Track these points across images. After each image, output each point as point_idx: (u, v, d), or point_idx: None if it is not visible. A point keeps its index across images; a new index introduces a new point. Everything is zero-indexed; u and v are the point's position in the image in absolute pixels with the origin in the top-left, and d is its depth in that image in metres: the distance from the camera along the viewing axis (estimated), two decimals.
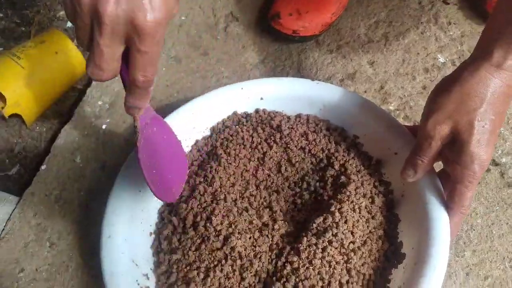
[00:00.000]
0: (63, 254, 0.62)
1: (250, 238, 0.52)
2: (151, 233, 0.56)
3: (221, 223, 0.53)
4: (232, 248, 0.51)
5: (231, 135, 0.61)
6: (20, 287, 0.60)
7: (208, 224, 0.53)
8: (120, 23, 0.38)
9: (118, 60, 0.41)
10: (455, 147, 0.47)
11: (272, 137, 0.60)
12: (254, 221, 0.55)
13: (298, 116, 0.63)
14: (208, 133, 0.63)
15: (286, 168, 0.59)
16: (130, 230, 0.53)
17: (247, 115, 0.64)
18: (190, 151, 0.61)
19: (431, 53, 0.77)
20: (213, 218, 0.53)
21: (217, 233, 0.52)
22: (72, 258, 0.62)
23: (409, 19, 0.81)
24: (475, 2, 0.81)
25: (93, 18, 0.38)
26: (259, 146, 0.60)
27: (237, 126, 0.62)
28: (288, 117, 0.63)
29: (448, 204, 0.50)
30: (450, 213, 0.50)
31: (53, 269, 0.61)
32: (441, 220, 0.49)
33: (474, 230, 0.61)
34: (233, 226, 0.53)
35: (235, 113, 0.64)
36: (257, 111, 0.64)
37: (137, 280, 0.50)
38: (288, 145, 0.59)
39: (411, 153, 0.51)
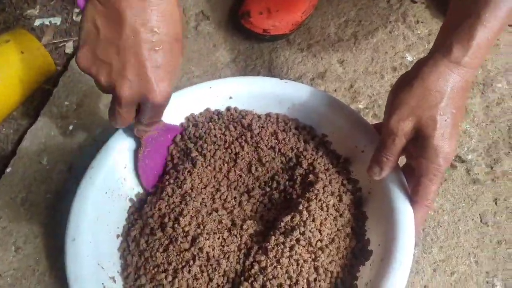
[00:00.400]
0: (29, 258, 0.61)
1: (218, 238, 0.52)
2: (118, 236, 0.55)
3: (189, 224, 0.53)
4: (200, 249, 0.50)
5: (205, 133, 0.60)
6: None
7: (176, 225, 0.52)
8: (134, 100, 0.49)
9: (133, 115, 0.52)
10: (418, 142, 0.48)
11: (243, 137, 0.60)
12: (223, 221, 0.54)
13: (268, 115, 0.63)
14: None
15: (256, 168, 0.59)
16: (96, 232, 0.52)
17: (218, 113, 0.63)
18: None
19: (399, 52, 0.78)
20: (181, 219, 0.52)
21: (185, 233, 0.52)
22: (39, 261, 0.61)
23: (378, 18, 0.82)
24: (442, 1, 0.82)
25: (112, 94, 0.49)
26: (232, 146, 0.59)
27: (209, 123, 0.61)
28: (259, 116, 0.62)
29: (413, 198, 0.51)
30: (414, 207, 0.50)
31: (19, 274, 0.60)
32: (405, 214, 0.50)
33: (441, 226, 0.62)
34: (201, 227, 0.52)
35: (207, 110, 0.63)
36: (228, 109, 0.63)
37: (103, 283, 0.49)
38: (259, 145, 0.59)
39: (376, 150, 0.52)
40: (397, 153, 0.50)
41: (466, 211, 0.63)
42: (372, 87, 0.74)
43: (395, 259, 0.47)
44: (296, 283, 0.48)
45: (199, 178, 0.57)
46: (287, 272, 0.49)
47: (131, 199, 0.58)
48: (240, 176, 0.59)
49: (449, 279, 0.58)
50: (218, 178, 0.59)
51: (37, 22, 0.91)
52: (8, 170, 0.69)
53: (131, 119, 0.52)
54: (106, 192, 0.55)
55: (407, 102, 0.48)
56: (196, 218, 0.53)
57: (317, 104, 0.60)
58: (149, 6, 0.46)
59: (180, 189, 0.55)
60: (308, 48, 0.79)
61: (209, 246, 0.51)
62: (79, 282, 0.47)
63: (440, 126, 0.47)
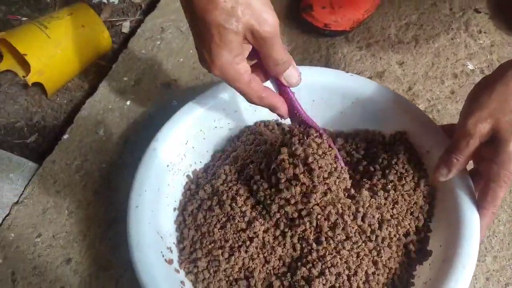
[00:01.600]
0: (81, 223, 0.62)
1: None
2: (175, 209, 0.56)
3: (245, 204, 0.52)
4: (255, 233, 0.50)
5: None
6: (36, 251, 0.60)
7: (233, 204, 0.52)
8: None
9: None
10: (493, 146, 0.47)
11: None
12: None
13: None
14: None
15: None
16: (157, 202, 0.53)
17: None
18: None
19: (460, 59, 0.77)
20: (238, 198, 0.52)
21: (242, 213, 0.52)
22: (90, 228, 0.62)
23: (440, 24, 0.81)
24: (507, 13, 0.81)
25: None
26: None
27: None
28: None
29: (480, 204, 0.50)
30: (481, 213, 0.50)
31: (71, 237, 0.61)
32: (472, 220, 0.49)
33: (496, 236, 0.61)
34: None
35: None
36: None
37: (161, 252, 0.49)
38: None
39: (445, 151, 0.51)
40: (469, 155, 0.49)
41: None
42: (431, 91, 0.73)
43: (459, 263, 0.47)
44: (355, 273, 0.48)
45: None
46: (346, 262, 0.48)
47: (188, 176, 0.59)
48: None
49: None
50: None
51: (95, 0, 0.93)
52: (65, 137, 0.70)
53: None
54: (168, 165, 0.55)
55: (487, 105, 0.47)
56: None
57: (383, 101, 0.59)
58: None
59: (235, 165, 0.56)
60: (367, 47, 0.79)
61: (264, 232, 0.51)
62: (141, 249, 0.48)
63: None
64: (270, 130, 0.62)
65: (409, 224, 0.53)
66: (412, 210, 0.53)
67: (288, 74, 0.49)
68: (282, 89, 0.51)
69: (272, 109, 0.51)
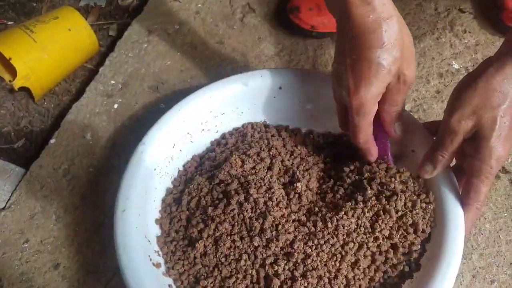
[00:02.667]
0: (69, 228, 0.62)
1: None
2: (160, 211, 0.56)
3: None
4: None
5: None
6: (24, 257, 0.59)
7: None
8: None
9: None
10: (475, 142, 0.48)
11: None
12: None
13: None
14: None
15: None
16: (144, 206, 0.53)
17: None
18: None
19: (445, 59, 0.78)
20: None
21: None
22: (77, 232, 0.61)
23: (426, 24, 0.82)
24: (491, 12, 0.82)
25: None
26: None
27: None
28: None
29: (464, 200, 0.50)
30: (465, 209, 0.50)
31: (58, 242, 0.61)
32: (456, 216, 0.49)
33: (482, 234, 0.61)
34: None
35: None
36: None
37: (149, 256, 0.49)
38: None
39: (431, 149, 0.51)
40: (453, 152, 0.50)
41: (509, 221, 0.62)
42: (417, 91, 0.74)
43: (444, 260, 0.47)
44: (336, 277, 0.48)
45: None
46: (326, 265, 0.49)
47: (175, 179, 0.59)
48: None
49: (489, 286, 0.58)
50: None
51: (82, 3, 0.92)
52: (52, 141, 0.70)
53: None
54: (155, 169, 0.55)
55: (470, 101, 0.48)
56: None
57: None
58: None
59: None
60: None
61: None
62: (127, 252, 0.47)
63: (498, 128, 0.47)
64: (257, 132, 0.62)
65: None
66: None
67: (399, 123, 0.54)
68: (380, 136, 0.56)
69: (365, 153, 0.55)
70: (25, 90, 0.76)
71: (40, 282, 0.58)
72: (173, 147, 0.58)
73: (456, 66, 0.77)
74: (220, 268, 0.49)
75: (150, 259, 0.49)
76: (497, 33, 0.80)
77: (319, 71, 0.66)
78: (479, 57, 0.78)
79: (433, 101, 0.73)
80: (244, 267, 0.49)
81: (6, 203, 0.64)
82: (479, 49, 0.79)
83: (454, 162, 0.53)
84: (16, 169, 0.68)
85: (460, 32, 0.81)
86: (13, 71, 0.75)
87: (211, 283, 0.49)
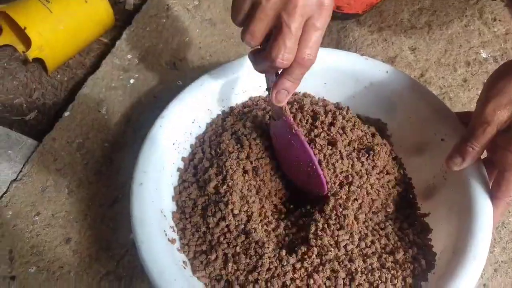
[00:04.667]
0: (81, 203, 0.60)
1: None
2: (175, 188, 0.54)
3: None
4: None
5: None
6: (34, 230, 0.58)
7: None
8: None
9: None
10: (509, 134, 0.45)
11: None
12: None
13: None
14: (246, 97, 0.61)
15: None
16: (161, 181, 0.51)
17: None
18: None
19: (473, 47, 0.75)
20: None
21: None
22: (90, 207, 0.60)
23: (454, 11, 0.79)
24: None
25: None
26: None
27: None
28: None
29: (494, 193, 0.48)
30: (494, 203, 0.48)
31: (70, 216, 0.59)
32: (485, 209, 0.47)
33: (505, 227, 0.59)
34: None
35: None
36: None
37: (164, 231, 0.48)
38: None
39: (461, 140, 0.49)
40: (485, 144, 0.47)
41: None
42: (443, 78, 0.71)
43: (470, 253, 0.45)
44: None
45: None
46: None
47: None
48: None
49: (511, 281, 0.56)
50: None
51: None
52: (66, 114, 0.68)
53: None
54: (173, 143, 0.54)
55: (507, 91, 0.45)
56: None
57: (398, 86, 0.57)
58: None
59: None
60: (379, 31, 0.77)
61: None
62: (143, 226, 0.46)
63: None
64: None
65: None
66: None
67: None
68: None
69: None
70: (38, 61, 0.75)
71: (50, 255, 0.57)
72: (192, 122, 0.56)
73: (484, 55, 0.74)
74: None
75: (166, 234, 0.47)
76: None
77: (347, 52, 0.63)
78: (509, 47, 0.75)
79: (459, 89, 0.70)
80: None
81: (18, 174, 0.62)
82: (509, 38, 0.76)
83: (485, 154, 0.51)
84: (28, 141, 0.66)
85: (489, 20, 0.78)
86: (26, 42, 0.73)
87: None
